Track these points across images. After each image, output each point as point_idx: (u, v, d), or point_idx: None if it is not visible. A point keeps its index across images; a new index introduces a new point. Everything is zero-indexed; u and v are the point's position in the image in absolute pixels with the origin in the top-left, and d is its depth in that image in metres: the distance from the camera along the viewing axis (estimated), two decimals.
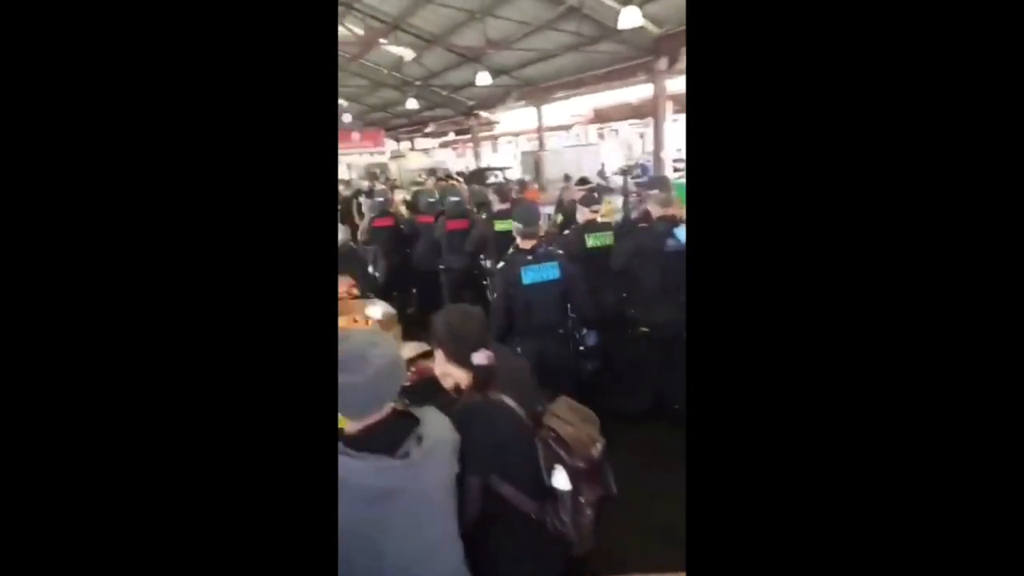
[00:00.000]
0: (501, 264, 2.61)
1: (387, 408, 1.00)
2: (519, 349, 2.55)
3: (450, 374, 1.29)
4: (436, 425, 1.05)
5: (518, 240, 2.61)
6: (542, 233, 2.74)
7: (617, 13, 5.95)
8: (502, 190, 4.40)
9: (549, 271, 2.49)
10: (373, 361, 0.95)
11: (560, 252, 2.67)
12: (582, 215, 3.28)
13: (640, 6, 5.94)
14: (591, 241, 3.12)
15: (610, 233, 3.17)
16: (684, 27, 6.41)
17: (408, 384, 1.81)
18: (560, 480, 1.11)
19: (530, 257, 2.50)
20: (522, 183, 7.04)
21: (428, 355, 2.16)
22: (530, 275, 2.47)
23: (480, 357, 1.22)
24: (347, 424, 1.00)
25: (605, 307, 3.02)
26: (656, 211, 2.92)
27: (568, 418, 1.20)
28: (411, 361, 2.01)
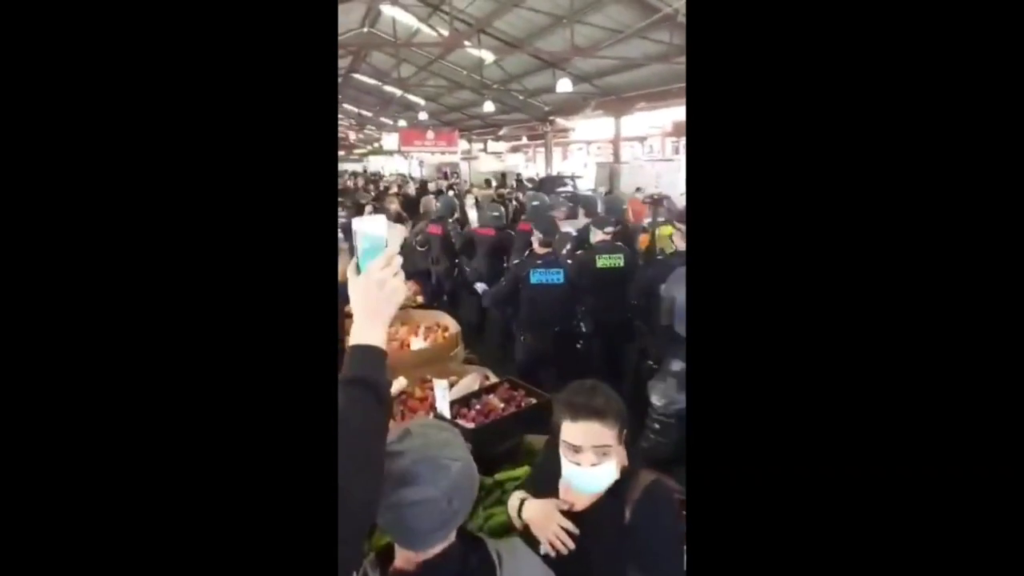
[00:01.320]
0: (515, 262, 3.00)
1: (453, 535, 0.73)
2: (523, 339, 3.00)
3: (615, 453, 1.04)
4: (520, 569, 0.76)
5: (535, 245, 2.95)
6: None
7: None
8: (589, 203, 4.39)
9: (554, 275, 2.90)
10: (450, 468, 0.68)
11: (570, 261, 3.03)
12: (595, 236, 3.29)
13: None
14: (601, 262, 3.16)
15: (621, 256, 3.19)
16: None
17: (472, 426, 1.58)
18: None
19: (540, 262, 2.90)
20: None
21: (492, 389, 1.98)
22: (537, 276, 2.88)
23: None
24: (398, 556, 0.73)
25: (611, 327, 3.18)
26: (680, 243, 2.84)
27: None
28: (474, 395, 1.81)
